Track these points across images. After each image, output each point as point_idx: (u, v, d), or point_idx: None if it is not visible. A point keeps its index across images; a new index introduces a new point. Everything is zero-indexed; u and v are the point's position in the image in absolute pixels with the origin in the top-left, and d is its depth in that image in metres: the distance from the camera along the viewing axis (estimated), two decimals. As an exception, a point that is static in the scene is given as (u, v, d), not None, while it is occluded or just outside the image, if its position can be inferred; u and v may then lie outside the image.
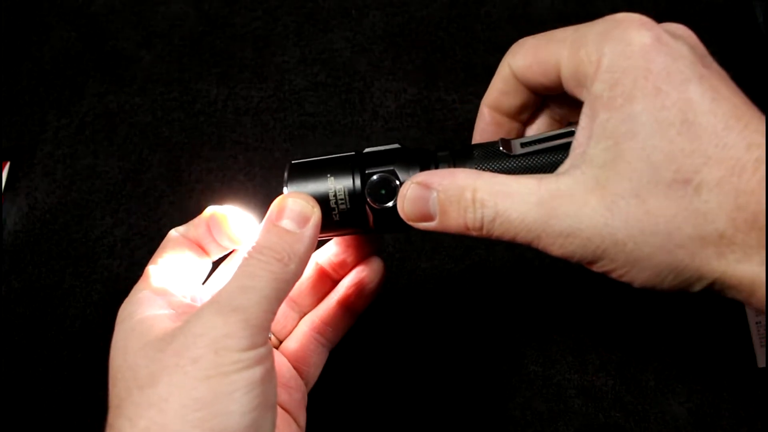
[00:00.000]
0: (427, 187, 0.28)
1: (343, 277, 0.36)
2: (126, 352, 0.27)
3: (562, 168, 0.26)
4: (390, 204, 0.29)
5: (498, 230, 0.26)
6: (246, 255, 0.28)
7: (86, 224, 0.52)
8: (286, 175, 0.30)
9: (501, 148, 0.29)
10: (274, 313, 0.27)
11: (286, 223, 0.28)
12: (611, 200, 0.24)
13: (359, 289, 0.35)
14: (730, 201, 0.22)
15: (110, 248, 0.51)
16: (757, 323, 0.46)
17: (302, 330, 0.36)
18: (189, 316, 0.27)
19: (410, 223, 0.29)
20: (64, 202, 0.53)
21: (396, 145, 0.31)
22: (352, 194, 0.30)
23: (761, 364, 0.45)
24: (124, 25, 0.61)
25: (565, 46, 0.27)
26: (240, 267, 0.28)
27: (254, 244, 0.28)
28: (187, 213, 0.52)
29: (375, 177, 0.29)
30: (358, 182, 0.30)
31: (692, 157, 0.23)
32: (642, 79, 0.24)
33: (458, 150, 0.30)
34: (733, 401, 0.45)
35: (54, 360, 0.48)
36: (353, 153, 0.31)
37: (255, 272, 0.27)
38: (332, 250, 0.36)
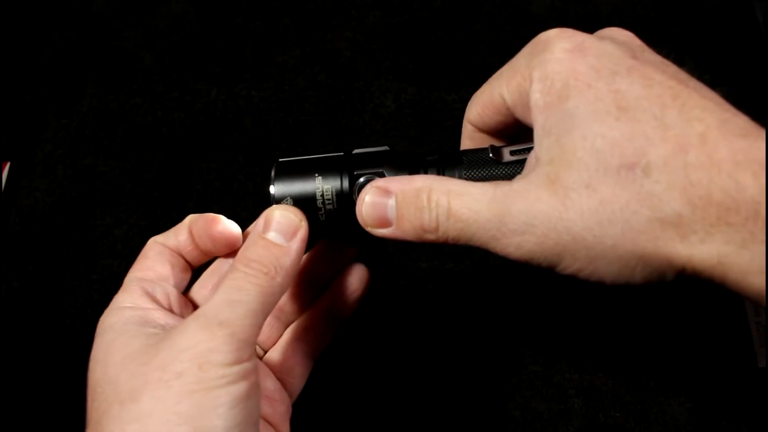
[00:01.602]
0: (386, 192, 0.28)
1: (328, 279, 0.36)
2: (106, 365, 0.26)
3: (518, 176, 0.27)
4: None
5: (453, 230, 0.26)
6: (232, 267, 0.28)
7: (86, 224, 0.52)
8: (272, 173, 0.30)
9: (491, 155, 0.29)
10: (260, 327, 0.27)
11: (273, 236, 0.28)
12: (563, 194, 0.23)
13: (344, 297, 0.35)
14: (680, 178, 0.22)
15: (110, 248, 0.51)
16: (756, 323, 0.46)
17: (286, 340, 0.35)
18: (173, 329, 0.26)
19: (368, 229, 0.28)
20: (64, 202, 0.53)
21: (385, 147, 0.30)
22: (340, 195, 0.29)
23: (761, 364, 0.45)
24: (124, 25, 0.61)
25: (504, 79, 0.28)
26: (226, 280, 0.27)
27: (240, 256, 0.28)
28: (186, 213, 0.52)
29: (363, 178, 0.29)
30: (346, 183, 0.29)
31: (634, 141, 0.23)
32: (572, 80, 0.24)
33: (448, 155, 0.30)
34: (733, 401, 0.45)
35: (54, 360, 0.48)
36: (342, 153, 0.30)
37: (242, 285, 0.27)
38: (318, 253, 0.35)
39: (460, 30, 0.59)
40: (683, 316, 0.48)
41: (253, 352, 0.26)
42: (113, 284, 0.51)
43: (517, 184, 0.25)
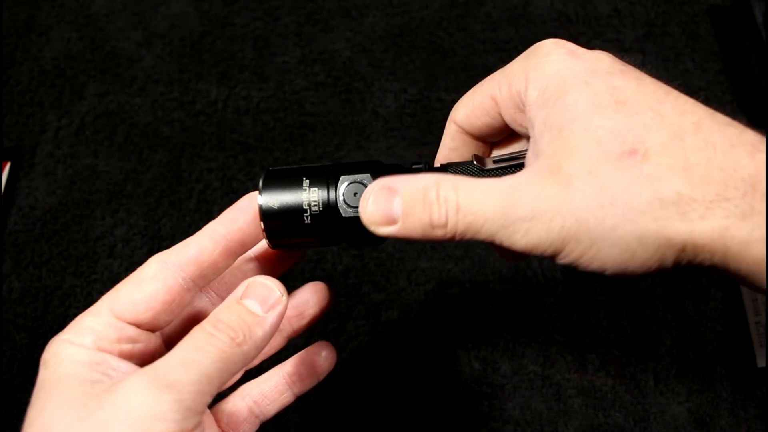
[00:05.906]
0: (390, 189, 0.27)
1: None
2: (43, 407, 0.25)
3: (520, 171, 0.27)
4: None
5: (462, 224, 0.26)
6: (198, 327, 0.26)
7: (86, 224, 0.52)
8: (260, 182, 0.30)
9: (475, 163, 0.30)
10: (212, 396, 0.25)
11: (251, 304, 0.27)
12: (567, 181, 0.24)
13: (309, 367, 0.34)
14: (679, 160, 0.23)
15: (110, 248, 0.51)
16: (756, 323, 0.46)
17: (240, 395, 0.33)
18: (119, 382, 0.24)
19: (372, 228, 0.27)
20: (64, 202, 0.53)
21: (373, 160, 0.31)
22: (326, 200, 0.29)
23: (761, 364, 0.45)
24: (124, 25, 0.61)
25: (496, 82, 0.28)
26: (188, 336, 0.26)
27: (210, 317, 0.26)
28: (187, 213, 0.53)
29: (350, 182, 0.29)
30: (332, 190, 0.29)
31: (633, 130, 0.24)
32: (569, 77, 0.25)
33: (433, 167, 0.31)
34: (733, 401, 0.45)
35: (54, 360, 0.48)
36: (330, 164, 0.31)
37: (202, 346, 0.25)
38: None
39: (460, 30, 0.59)
40: (683, 315, 0.48)
41: (199, 422, 0.25)
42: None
43: (522, 176, 0.26)
